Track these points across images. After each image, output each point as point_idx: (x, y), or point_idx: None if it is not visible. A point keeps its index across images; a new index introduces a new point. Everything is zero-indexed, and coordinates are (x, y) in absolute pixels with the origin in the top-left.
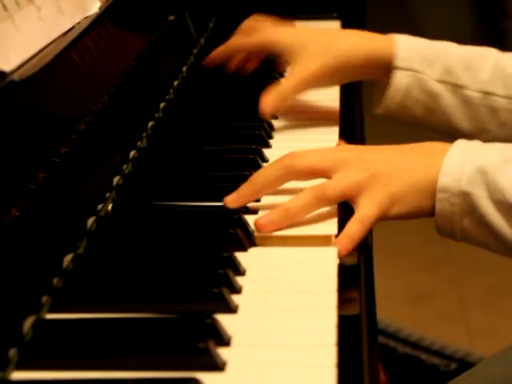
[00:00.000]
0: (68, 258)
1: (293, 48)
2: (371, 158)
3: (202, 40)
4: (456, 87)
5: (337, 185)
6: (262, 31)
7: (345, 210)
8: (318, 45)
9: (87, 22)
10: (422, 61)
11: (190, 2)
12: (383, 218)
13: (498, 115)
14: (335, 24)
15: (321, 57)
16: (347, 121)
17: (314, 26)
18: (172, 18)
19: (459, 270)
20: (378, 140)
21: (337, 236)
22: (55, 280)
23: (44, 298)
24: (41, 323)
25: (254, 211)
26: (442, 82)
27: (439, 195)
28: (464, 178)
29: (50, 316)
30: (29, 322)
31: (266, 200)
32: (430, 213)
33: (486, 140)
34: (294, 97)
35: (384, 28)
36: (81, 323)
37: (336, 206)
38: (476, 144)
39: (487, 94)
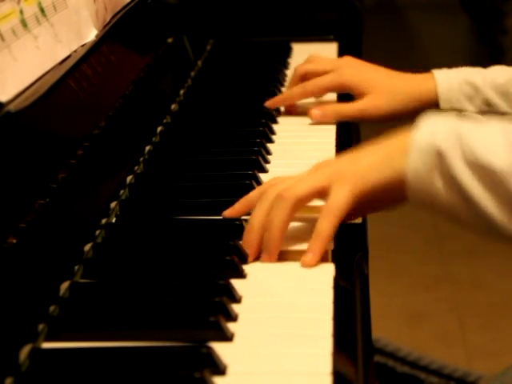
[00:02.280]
0: (65, 285)
1: (363, 88)
2: (342, 156)
3: (200, 62)
4: (497, 115)
5: (302, 183)
6: (332, 76)
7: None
8: (384, 88)
9: (84, 50)
10: (462, 98)
11: (188, 24)
12: (356, 197)
13: None
14: (332, 46)
15: (385, 99)
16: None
17: (375, 67)
18: (170, 40)
19: (458, 289)
20: None
21: (333, 250)
22: (52, 308)
23: (40, 327)
24: (37, 352)
25: None
26: (483, 113)
27: (412, 153)
28: (439, 137)
29: (46, 345)
30: (25, 351)
31: None
32: (402, 180)
33: None
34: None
35: (382, 45)
36: (77, 352)
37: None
38: (451, 114)
39: None
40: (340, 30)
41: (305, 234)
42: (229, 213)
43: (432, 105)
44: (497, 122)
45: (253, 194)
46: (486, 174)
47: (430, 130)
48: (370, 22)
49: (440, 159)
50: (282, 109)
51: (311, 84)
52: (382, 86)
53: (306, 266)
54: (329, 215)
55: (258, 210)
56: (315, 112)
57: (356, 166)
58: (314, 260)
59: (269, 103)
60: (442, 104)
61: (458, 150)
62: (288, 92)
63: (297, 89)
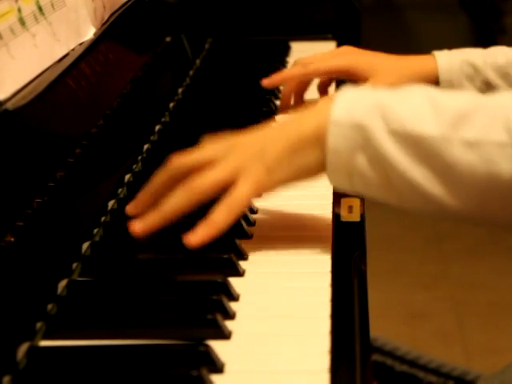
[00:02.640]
0: (62, 283)
1: (366, 72)
2: (248, 138)
3: (198, 61)
4: None
5: (208, 174)
6: (332, 59)
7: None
8: (385, 68)
9: (82, 49)
10: (462, 78)
11: (187, 23)
12: (263, 191)
13: None
14: (330, 45)
15: (392, 78)
16: None
17: (374, 52)
18: (168, 39)
19: (456, 288)
20: None
21: (331, 249)
22: (49, 306)
23: (38, 325)
24: (35, 351)
25: (249, 236)
26: (482, 93)
27: (332, 129)
28: (359, 110)
29: (44, 343)
30: (23, 350)
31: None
32: (319, 165)
33: None
34: None
35: (380, 44)
36: (75, 350)
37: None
38: (368, 87)
39: None
40: (338, 29)
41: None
42: (133, 208)
43: (435, 84)
44: (417, 89)
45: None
46: (415, 143)
47: (347, 104)
48: (368, 20)
49: (361, 132)
50: (278, 102)
51: (313, 65)
52: (384, 67)
53: (187, 242)
54: (228, 208)
55: (161, 177)
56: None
57: (262, 158)
58: (195, 242)
59: (266, 81)
60: (442, 84)
61: (380, 120)
62: (288, 70)
63: (297, 68)
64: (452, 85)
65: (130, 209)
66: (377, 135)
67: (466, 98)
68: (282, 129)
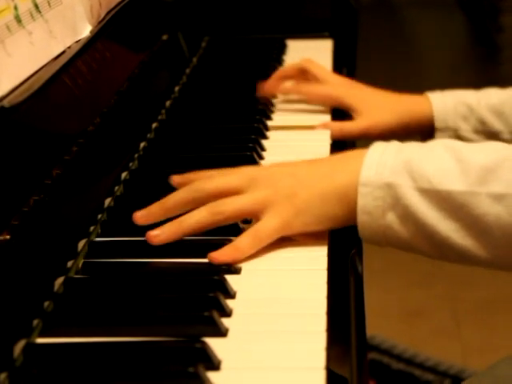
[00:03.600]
0: (59, 281)
1: (360, 107)
2: (277, 172)
3: (195, 59)
4: (491, 134)
5: (236, 201)
6: (326, 85)
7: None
8: (379, 106)
9: (79, 46)
10: (457, 118)
11: (183, 21)
12: (288, 231)
13: None
14: (327, 43)
15: (385, 116)
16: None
17: (372, 88)
18: (165, 37)
19: (453, 285)
20: None
21: (328, 246)
22: (46, 303)
23: (35, 322)
24: (31, 348)
25: None
26: (478, 132)
27: (361, 189)
28: (387, 170)
29: (40, 340)
30: (19, 347)
31: None
32: (344, 219)
33: None
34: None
35: (377, 42)
36: (72, 347)
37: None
38: (395, 143)
39: None
40: (335, 27)
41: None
42: (143, 217)
43: (428, 125)
44: (441, 143)
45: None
46: (444, 199)
47: (375, 163)
48: (365, 19)
49: (390, 192)
50: (274, 101)
51: (307, 87)
52: (379, 104)
53: (211, 259)
54: (255, 236)
55: (183, 195)
56: (321, 128)
57: (294, 201)
58: (218, 261)
59: (261, 91)
60: (438, 124)
61: (408, 178)
62: (286, 86)
63: (292, 85)
64: (447, 125)
65: (139, 217)
66: (405, 193)
67: (491, 150)
68: (315, 176)
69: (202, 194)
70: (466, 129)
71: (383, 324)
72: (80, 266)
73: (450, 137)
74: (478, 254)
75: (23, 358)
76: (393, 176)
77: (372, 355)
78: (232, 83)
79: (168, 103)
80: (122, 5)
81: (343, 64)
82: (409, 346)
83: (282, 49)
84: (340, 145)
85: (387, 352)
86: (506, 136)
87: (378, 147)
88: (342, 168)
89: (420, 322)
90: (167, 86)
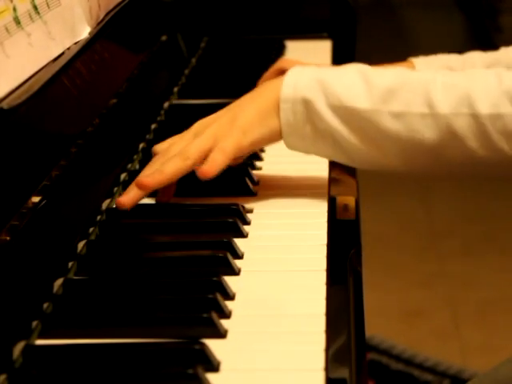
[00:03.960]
0: (58, 282)
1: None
2: (213, 115)
3: (194, 60)
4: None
5: (193, 144)
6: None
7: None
8: None
9: (78, 47)
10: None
11: (182, 22)
12: (241, 149)
13: None
14: (326, 44)
15: None
16: None
17: None
18: (164, 38)
19: (452, 286)
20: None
21: (327, 246)
22: (45, 305)
23: (34, 324)
24: (31, 349)
25: (244, 235)
26: None
27: (282, 105)
28: (303, 87)
29: (40, 342)
30: (19, 348)
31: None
32: (279, 130)
33: None
34: None
35: (376, 43)
36: (71, 349)
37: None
38: (313, 66)
39: None
40: (334, 28)
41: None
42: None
43: None
44: (353, 66)
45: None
46: (351, 115)
47: (293, 82)
48: (364, 19)
49: (307, 106)
50: None
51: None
52: None
53: (201, 174)
54: (221, 151)
55: (179, 165)
56: None
57: (236, 123)
58: (208, 173)
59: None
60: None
61: (321, 95)
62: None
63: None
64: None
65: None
66: (319, 108)
67: (394, 75)
68: (248, 100)
69: (191, 161)
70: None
71: (382, 324)
72: (79, 267)
73: None
74: (383, 163)
75: (22, 360)
76: (309, 93)
77: (371, 355)
78: (231, 84)
79: (167, 104)
80: (120, 6)
81: (342, 64)
82: (408, 347)
83: (280, 50)
84: None
85: (386, 352)
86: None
87: (296, 69)
88: (270, 88)
89: (419, 322)
90: (166, 87)
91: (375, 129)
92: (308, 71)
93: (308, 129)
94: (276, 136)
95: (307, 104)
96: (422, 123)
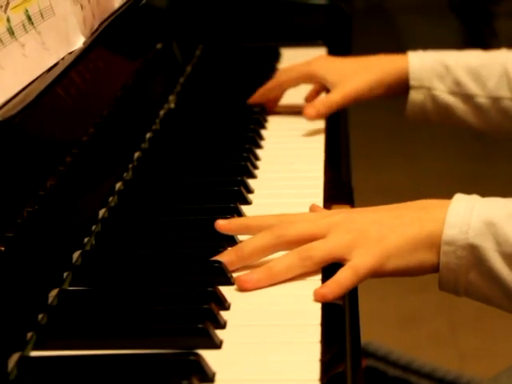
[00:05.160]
0: (53, 293)
1: (334, 75)
2: (359, 218)
3: (189, 68)
4: (467, 97)
5: (323, 245)
6: (302, 66)
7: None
8: (355, 70)
9: (72, 58)
10: (433, 77)
11: (177, 29)
12: (380, 273)
13: (508, 115)
14: (321, 51)
15: (360, 77)
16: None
17: (345, 58)
18: (159, 46)
19: None
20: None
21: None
22: (40, 316)
23: (29, 335)
24: (26, 361)
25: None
26: (453, 93)
27: (445, 248)
28: (471, 230)
29: (35, 353)
30: (13, 360)
31: None
32: (432, 267)
33: (502, 138)
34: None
35: (371, 49)
36: (66, 360)
37: None
38: (478, 197)
39: (496, 99)
40: (329, 35)
41: None
42: (224, 227)
43: (404, 83)
44: None
45: (255, 223)
46: None
47: (459, 221)
48: (359, 25)
49: (473, 252)
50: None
51: (283, 75)
52: (353, 70)
53: (316, 295)
54: (355, 272)
55: (263, 241)
56: (309, 111)
57: (384, 243)
58: (326, 297)
59: (251, 100)
60: (412, 82)
61: (492, 241)
62: (265, 86)
63: (271, 83)
64: (422, 83)
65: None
66: (489, 256)
67: None
68: (401, 222)
69: (283, 241)
70: (441, 88)
71: (379, 330)
72: (74, 277)
73: (425, 96)
74: None
75: (17, 372)
76: (477, 238)
77: (368, 362)
78: (226, 92)
79: (162, 112)
80: (115, 15)
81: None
82: (405, 353)
83: (276, 57)
84: (334, 149)
85: (383, 359)
86: (481, 99)
87: (460, 201)
88: (427, 216)
89: (416, 328)
90: (161, 96)
91: None
92: (473, 206)
93: (473, 276)
94: (425, 271)
95: (474, 250)
96: None
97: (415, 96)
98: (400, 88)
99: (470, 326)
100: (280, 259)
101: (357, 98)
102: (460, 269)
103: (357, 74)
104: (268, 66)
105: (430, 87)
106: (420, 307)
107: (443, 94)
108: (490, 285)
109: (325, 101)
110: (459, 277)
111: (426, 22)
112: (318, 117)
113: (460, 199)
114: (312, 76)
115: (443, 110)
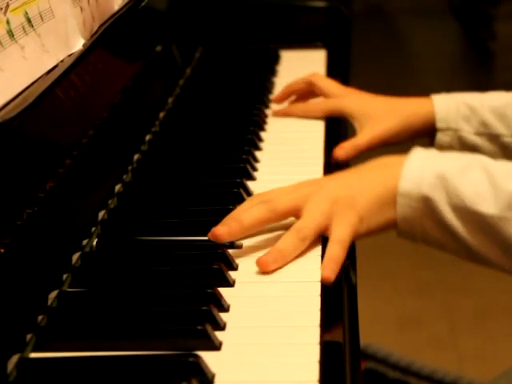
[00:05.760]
0: (53, 294)
1: (362, 116)
2: (330, 186)
3: (188, 70)
4: (493, 137)
5: (310, 223)
6: (333, 101)
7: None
8: (383, 113)
9: (71, 60)
10: (459, 119)
11: (177, 32)
12: (356, 237)
13: None
14: (320, 53)
15: (388, 121)
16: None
17: (374, 96)
18: (159, 48)
19: (449, 294)
20: None
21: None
22: (40, 317)
23: (28, 336)
24: (25, 362)
25: (239, 246)
26: (479, 134)
27: (400, 200)
28: (424, 183)
29: (34, 355)
30: (13, 361)
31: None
32: (395, 222)
33: None
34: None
35: (371, 51)
36: (65, 362)
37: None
38: (434, 153)
39: None
40: (328, 37)
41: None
42: (224, 234)
43: (432, 126)
44: (477, 162)
45: (244, 216)
46: (474, 219)
47: (413, 176)
48: (358, 27)
49: (427, 204)
50: (268, 112)
51: (314, 105)
52: (381, 111)
53: (323, 278)
54: (341, 245)
55: (258, 215)
56: (339, 153)
57: (356, 208)
58: (330, 278)
59: (275, 99)
60: (439, 124)
61: (443, 194)
62: (291, 106)
63: (300, 106)
64: (449, 125)
65: (220, 235)
66: (440, 208)
67: None
68: (369, 184)
69: (276, 213)
70: (467, 130)
71: (379, 332)
72: (73, 279)
73: (452, 138)
74: (504, 265)
75: (17, 373)
76: (430, 190)
77: (367, 364)
78: (226, 94)
79: (162, 115)
80: (114, 17)
81: (337, 73)
82: (405, 355)
83: (275, 59)
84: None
85: (383, 361)
86: (507, 139)
87: (416, 156)
88: (389, 175)
89: (415, 330)
90: (161, 98)
91: (500, 235)
92: (428, 161)
93: (426, 225)
94: (391, 226)
95: (427, 202)
96: None
97: (442, 138)
98: (426, 131)
99: (470, 328)
100: (284, 241)
101: (383, 142)
102: (415, 219)
103: (385, 118)
104: (267, 68)
105: (457, 129)
106: (420, 309)
107: (470, 135)
108: (442, 233)
109: (353, 144)
110: (415, 226)
111: (426, 25)
112: (346, 158)
113: (416, 154)
114: (341, 112)
115: (470, 149)
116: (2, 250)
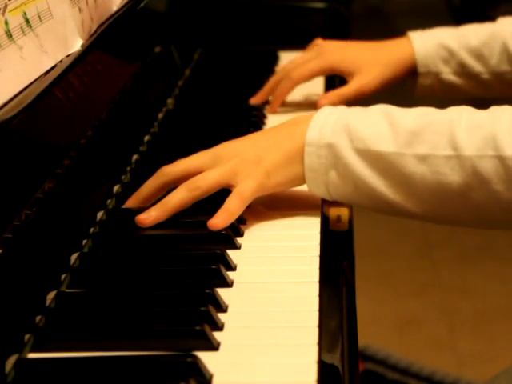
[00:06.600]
0: (51, 295)
1: (348, 67)
2: (237, 146)
3: (187, 71)
4: (471, 76)
5: (209, 175)
6: (315, 60)
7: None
8: (368, 62)
9: (70, 60)
10: (438, 62)
11: (176, 33)
12: (263, 191)
13: (510, 86)
14: None
15: (376, 70)
16: None
17: (355, 45)
18: (158, 49)
19: (447, 295)
20: None
21: (320, 258)
22: (38, 318)
23: (26, 337)
24: (23, 363)
25: (237, 246)
26: (458, 74)
27: (307, 148)
28: (329, 132)
29: (32, 355)
30: (11, 362)
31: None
32: (302, 176)
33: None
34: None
35: None
36: (63, 362)
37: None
38: (343, 108)
39: (499, 74)
40: (327, 39)
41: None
42: (134, 201)
43: (412, 70)
44: (377, 107)
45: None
46: (376, 159)
47: (319, 125)
48: (357, 28)
49: (331, 151)
50: (268, 113)
51: (296, 72)
52: (367, 61)
53: (209, 225)
54: (240, 197)
55: (153, 183)
56: (323, 102)
57: (262, 164)
58: (216, 225)
59: (254, 100)
60: (420, 68)
61: (346, 139)
62: (272, 83)
63: (279, 79)
64: (429, 69)
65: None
66: (344, 153)
67: (419, 116)
68: (275, 140)
69: (170, 177)
70: (446, 71)
71: (378, 333)
72: (72, 279)
73: (432, 80)
74: (408, 208)
75: (15, 374)
76: (333, 137)
77: (367, 365)
78: (224, 95)
79: (160, 115)
80: (113, 18)
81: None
82: (403, 356)
83: (274, 60)
84: None
85: (382, 362)
86: (485, 76)
87: (324, 111)
88: (297, 130)
89: (414, 331)
90: (160, 99)
91: (401, 173)
92: (334, 113)
93: (332, 174)
94: (300, 180)
95: (331, 148)
96: (447, 166)
97: (424, 81)
98: (407, 74)
99: (469, 329)
100: (171, 194)
101: (373, 91)
102: (320, 168)
103: (372, 67)
104: (266, 69)
105: (437, 72)
106: (419, 311)
107: (449, 75)
108: (347, 183)
109: (338, 93)
110: (321, 176)
111: (425, 26)
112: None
113: (324, 109)
114: (328, 70)
115: (449, 88)
116: (0, 251)
